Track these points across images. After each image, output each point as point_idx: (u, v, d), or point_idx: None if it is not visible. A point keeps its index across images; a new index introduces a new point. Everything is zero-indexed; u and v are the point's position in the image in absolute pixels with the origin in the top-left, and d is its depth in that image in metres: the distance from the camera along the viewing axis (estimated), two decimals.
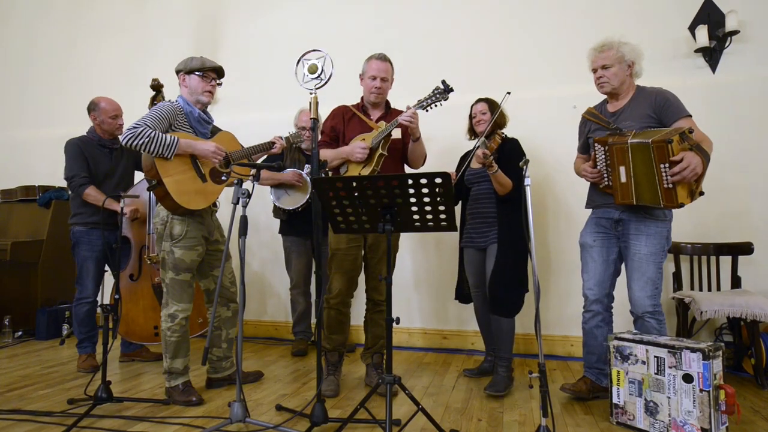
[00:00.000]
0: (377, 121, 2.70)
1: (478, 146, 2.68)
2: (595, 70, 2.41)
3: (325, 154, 2.65)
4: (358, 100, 2.79)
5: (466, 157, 2.90)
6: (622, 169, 2.19)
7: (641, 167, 2.14)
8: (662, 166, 2.06)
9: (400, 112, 2.71)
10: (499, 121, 2.76)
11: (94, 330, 3.18)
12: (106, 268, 3.20)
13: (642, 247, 2.29)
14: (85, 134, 3.18)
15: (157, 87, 3.18)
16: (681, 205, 2.08)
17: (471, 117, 2.86)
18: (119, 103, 3.19)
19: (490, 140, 2.67)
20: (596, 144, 2.32)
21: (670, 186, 2.07)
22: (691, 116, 2.24)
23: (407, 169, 2.82)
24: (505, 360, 2.67)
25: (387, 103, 2.79)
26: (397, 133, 2.63)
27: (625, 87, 2.39)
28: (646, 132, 2.19)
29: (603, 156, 2.30)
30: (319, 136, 2.75)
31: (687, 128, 2.09)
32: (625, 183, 2.18)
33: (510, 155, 2.66)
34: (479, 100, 2.84)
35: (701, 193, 2.14)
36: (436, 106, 2.57)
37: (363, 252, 2.70)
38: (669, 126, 2.23)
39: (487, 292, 2.69)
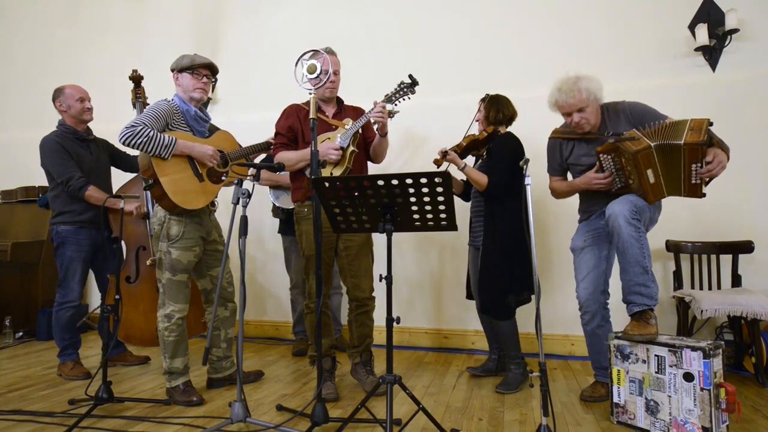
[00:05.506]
0: (333, 117, 2.63)
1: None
2: (568, 114, 2.33)
3: (287, 156, 2.52)
4: (305, 100, 2.56)
5: None
6: (649, 171, 2.17)
7: (669, 166, 2.13)
8: (693, 165, 2.09)
9: (354, 108, 2.68)
10: (494, 119, 2.70)
11: (76, 336, 3.03)
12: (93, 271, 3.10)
13: None
14: (57, 129, 2.95)
15: (136, 79, 3.12)
16: (703, 195, 2.14)
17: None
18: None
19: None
20: (601, 154, 2.26)
21: (698, 182, 2.12)
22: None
23: (372, 166, 2.79)
24: (515, 358, 2.66)
25: (338, 98, 2.71)
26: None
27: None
28: (661, 129, 2.15)
29: (612, 164, 2.27)
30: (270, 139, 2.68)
31: (708, 120, 2.09)
32: (655, 183, 2.18)
33: (492, 149, 2.65)
34: (481, 100, 2.79)
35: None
36: (403, 100, 2.53)
37: (335, 254, 2.63)
38: None
39: None
